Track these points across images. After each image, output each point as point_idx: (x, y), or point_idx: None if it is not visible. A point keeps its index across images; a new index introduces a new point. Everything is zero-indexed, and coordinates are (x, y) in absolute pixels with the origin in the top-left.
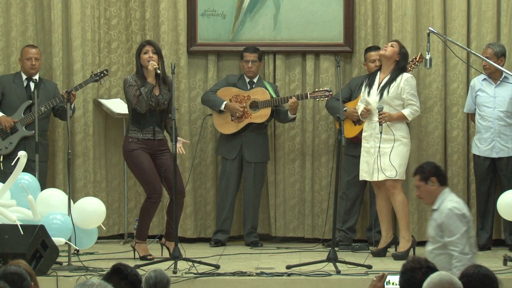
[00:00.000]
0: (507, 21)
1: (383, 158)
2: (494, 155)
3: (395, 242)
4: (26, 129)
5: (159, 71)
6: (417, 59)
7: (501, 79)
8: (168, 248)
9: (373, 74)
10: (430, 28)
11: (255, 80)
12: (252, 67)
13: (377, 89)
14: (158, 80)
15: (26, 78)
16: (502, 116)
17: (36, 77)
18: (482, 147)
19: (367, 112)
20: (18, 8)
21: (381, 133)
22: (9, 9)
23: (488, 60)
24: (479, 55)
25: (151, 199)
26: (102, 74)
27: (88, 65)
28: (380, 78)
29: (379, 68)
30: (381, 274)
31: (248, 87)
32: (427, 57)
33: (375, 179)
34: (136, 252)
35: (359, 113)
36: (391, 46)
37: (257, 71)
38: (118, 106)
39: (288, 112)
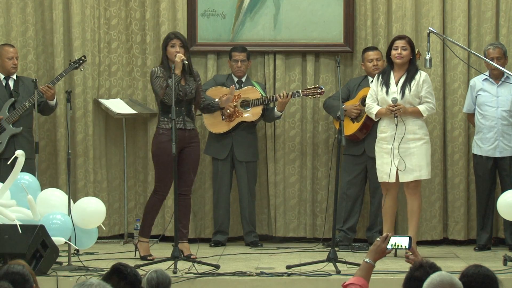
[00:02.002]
0: (505, 22)
1: (410, 158)
2: (497, 155)
3: None
4: (13, 126)
5: (186, 62)
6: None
7: (503, 79)
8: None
9: (386, 73)
10: (430, 28)
11: (243, 79)
12: (242, 66)
13: (397, 88)
14: (184, 71)
15: (4, 77)
16: (505, 116)
17: (14, 76)
18: (484, 147)
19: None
20: (19, 8)
21: (396, 125)
22: (9, 9)
23: (491, 62)
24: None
25: (156, 195)
26: (80, 61)
27: (88, 65)
28: (396, 77)
29: (391, 67)
30: (385, 235)
31: (237, 86)
32: (427, 57)
33: (403, 180)
34: (137, 251)
35: (375, 112)
36: (404, 49)
37: (246, 70)
38: (118, 106)
39: (275, 108)
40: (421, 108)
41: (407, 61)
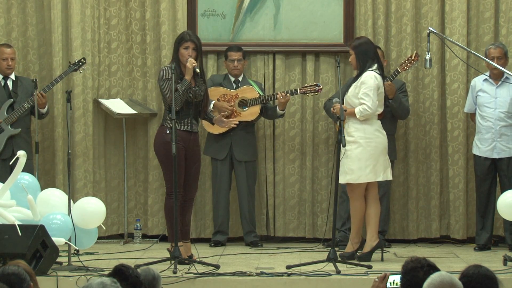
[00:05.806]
0: (505, 22)
1: (344, 161)
2: (495, 156)
3: (381, 245)
4: (12, 127)
5: (198, 70)
6: (413, 58)
7: (502, 80)
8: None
9: (353, 77)
10: (430, 28)
11: (240, 78)
12: (238, 65)
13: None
14: (194, 72)
15: (2, 78)
16: (503, 117)
17: (12, 76)
18: (483, 147)
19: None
20: (19, 9)
21: (337, 127)
22: (9, 9)
23: (491, 62)
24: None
25: (171, 197)
26: (80, 63)
27: (88, 65)
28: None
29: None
30: (383, 275)
31: (234, 86)
32: (427, 57)
33: (339, 182)
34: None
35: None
36: (350, 55)
37: (242, 69)
38: (118, 106)
39: (277, 107)
40: (356, 109)
41: (356, 64)
